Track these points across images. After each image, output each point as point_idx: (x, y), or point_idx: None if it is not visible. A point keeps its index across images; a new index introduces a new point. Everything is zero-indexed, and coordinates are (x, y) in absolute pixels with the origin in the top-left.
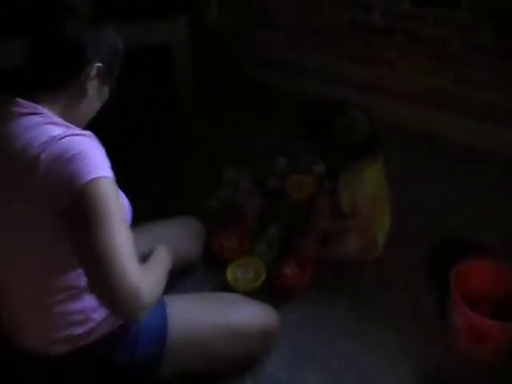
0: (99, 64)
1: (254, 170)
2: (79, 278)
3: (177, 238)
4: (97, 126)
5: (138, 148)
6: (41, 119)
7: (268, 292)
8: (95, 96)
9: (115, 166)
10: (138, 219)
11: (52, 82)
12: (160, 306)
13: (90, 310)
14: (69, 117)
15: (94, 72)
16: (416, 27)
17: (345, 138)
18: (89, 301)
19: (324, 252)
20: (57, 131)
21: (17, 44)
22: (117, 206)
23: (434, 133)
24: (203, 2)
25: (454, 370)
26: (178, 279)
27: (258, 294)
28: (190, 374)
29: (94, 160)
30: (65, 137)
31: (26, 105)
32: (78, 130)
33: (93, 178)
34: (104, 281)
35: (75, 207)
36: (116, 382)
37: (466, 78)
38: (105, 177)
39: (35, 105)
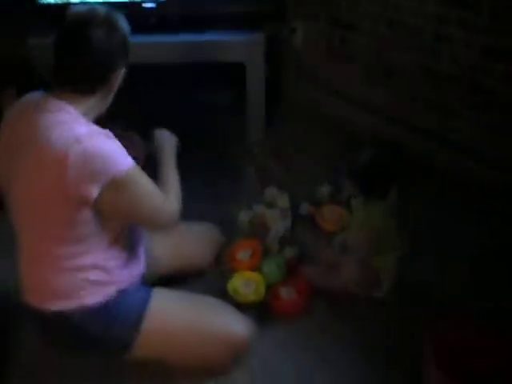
0: (124, 69)
1: (295, 193)
2: (82, 251)
3: (194, 244)
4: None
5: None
6: (68, 118)
7: (261, 308)
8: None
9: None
10: None
11: (83, 89)
12: (144, 296)
13: (84, 282)
14: (92, 112)
15: (120, 76)
16: (483, 79)
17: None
18: (86, 273)
19: (326, 281)
20: (82, 130)
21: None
22: (145, 181)
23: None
24: (290, 28)
25: None
26: (181, 282)
27: (251, 308)
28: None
29: (116, 155)
30: (90, 135)
31: (55, 103)
32: (98, 129)
33: (118, 175)
34: (158, 227)
35: (108, 199)
36: (89, 348)
37: None
38: (128, 167)
39: (64, 104)
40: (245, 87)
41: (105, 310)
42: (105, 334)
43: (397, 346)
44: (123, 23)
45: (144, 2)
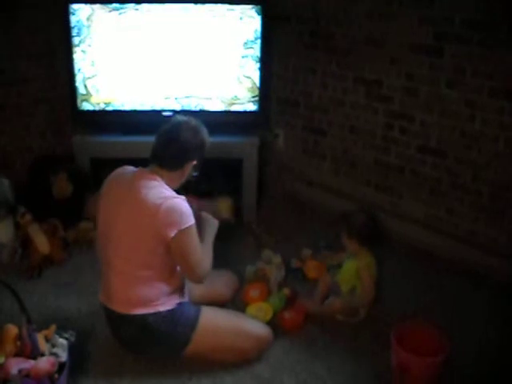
0: (195, 161)
1: (286, 254)
2: (159, 272)
3: (220, 283)
4: None
5: None
6: (157, 183)
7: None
8: (187, 176)
9: None
10: None
11: (166, 166)
12: (196, 307)
13: (160, 295)
14: (171, 184)
15: (191, 165)
16: (419, 168)
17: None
18: (160, 289)
19: (318, 310)
20: (167, 193)
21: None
22: (196, 238)
23: (430, 249)
24: (273, 134)
25: None
26: None
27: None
28: (205, 359)
29: (186, 214)
30: (173, 198)
31: (149, 174)
32: (176, 194)
33: (185, 227)
34: (192, 276)
35: (175, 241)
36: (159, 344)
37: (454, 209)
38: (191, 224)
39: (155, 175)
40: (241, 178)
41: (171, 315)
42: (172, 331)
43: (366, 346)
44: (204, 133)
45: (164, 111)
